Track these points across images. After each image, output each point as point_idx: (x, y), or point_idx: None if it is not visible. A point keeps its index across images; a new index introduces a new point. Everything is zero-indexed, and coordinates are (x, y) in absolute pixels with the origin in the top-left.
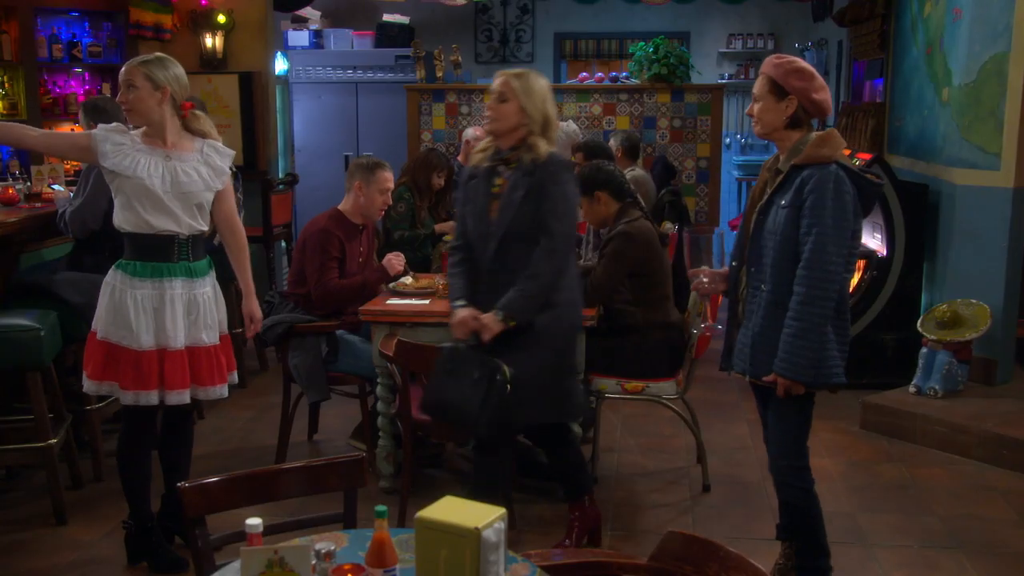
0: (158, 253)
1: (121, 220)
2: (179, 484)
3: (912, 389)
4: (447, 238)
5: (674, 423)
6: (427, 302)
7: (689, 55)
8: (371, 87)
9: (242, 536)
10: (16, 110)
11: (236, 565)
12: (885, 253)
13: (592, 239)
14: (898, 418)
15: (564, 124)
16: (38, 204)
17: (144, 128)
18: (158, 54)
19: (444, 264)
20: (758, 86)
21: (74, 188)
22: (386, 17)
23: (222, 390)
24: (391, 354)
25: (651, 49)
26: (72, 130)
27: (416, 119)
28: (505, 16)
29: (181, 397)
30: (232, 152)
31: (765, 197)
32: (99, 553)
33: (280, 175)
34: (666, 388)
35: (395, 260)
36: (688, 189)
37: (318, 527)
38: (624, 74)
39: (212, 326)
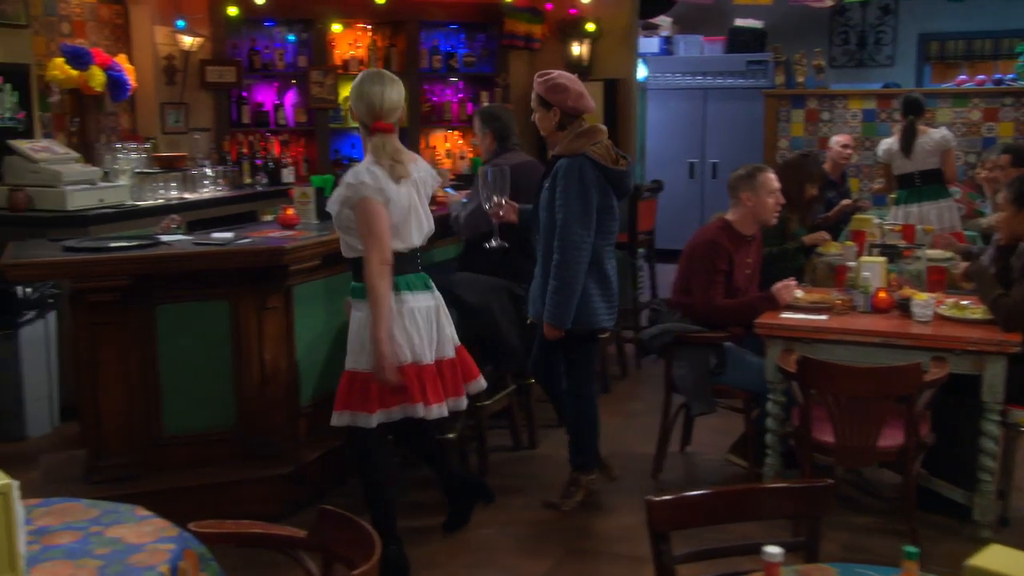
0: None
1: None
2: (647, 498)
3: None
4: (820, 250)
5: None
6: (824, 317)
7: None
8: (721, 93)
9: (700, 555)
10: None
11: None
12: None
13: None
14: None
15: (935, 131)
16: (432, 207)
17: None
18: (375, 71)
19: (840, 279)
20: (532, 99)
21: (464, 192)
22: (738, 22)
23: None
24: (792, 370)
25: None
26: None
27: (773, 125)
28: (864, 17)
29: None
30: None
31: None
32: (496, 543)
33: (636, 182)
34: None
35: (785, 292)
36: None
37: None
38: (1010, 76)
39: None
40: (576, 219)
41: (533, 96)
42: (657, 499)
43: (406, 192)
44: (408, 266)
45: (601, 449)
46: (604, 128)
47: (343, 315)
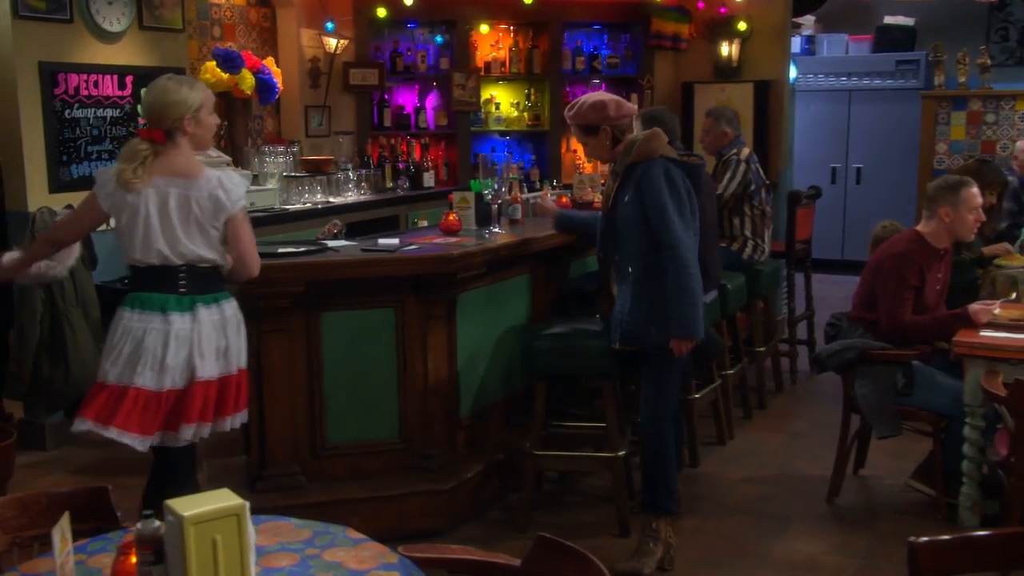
0: None
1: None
2: (910, 540)
3: None
4: (999, 262)
5: None
6: None
7: None
8: (866, 94)
9: None
10: (539, 121)
11: None
12: None
13: None
14: None
15: None
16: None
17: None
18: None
19: None
20: (575, 134)
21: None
22: (887, 19)
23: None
24: (1002, 394)
25: None
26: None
27: (931, 129)
28: None
29: None
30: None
31: (612, 197)
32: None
33: (788, 188)
34: None
35: (982, 313)
36: None
37: None
38: None
39: None
40: (675, 218)
41: (574, 131)
42: (922, 540)
43: (148, 200)
44: (149, 283)
45: (765, 468)
46: (663, 132)
47: (503, 325)
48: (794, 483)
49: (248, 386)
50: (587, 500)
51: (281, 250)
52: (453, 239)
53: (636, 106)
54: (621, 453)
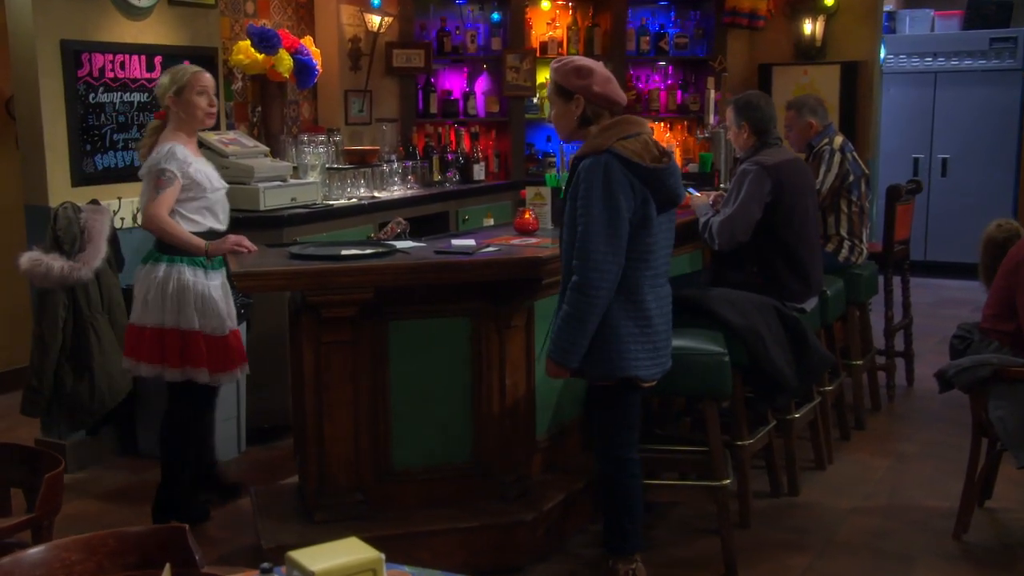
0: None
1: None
2: None
3: None
4: None
5: None
6: None
7: None
8: (955, 76)
9: None
10: None
11: None
12: None
13: None
14: None
15: None
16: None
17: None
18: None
19: None
20: (548, 92)
21: (712, 193)
22: None
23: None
24: None
25: None
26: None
27: None
28: None
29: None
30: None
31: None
32: None
33: (877, 181)
34: None
35: None
36: None
37: None
38: None
39: None
40: (600, 232)
41: (549, 88)
42: None
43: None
44: None
45: (874, 497)
46: (642, 120)
47: None
48: (911, 515)
49: (159, 345)
50: (679, 533)
51: (345, 252)
52: (531, 240)
53: (712, 91)
54: (726, 482)
